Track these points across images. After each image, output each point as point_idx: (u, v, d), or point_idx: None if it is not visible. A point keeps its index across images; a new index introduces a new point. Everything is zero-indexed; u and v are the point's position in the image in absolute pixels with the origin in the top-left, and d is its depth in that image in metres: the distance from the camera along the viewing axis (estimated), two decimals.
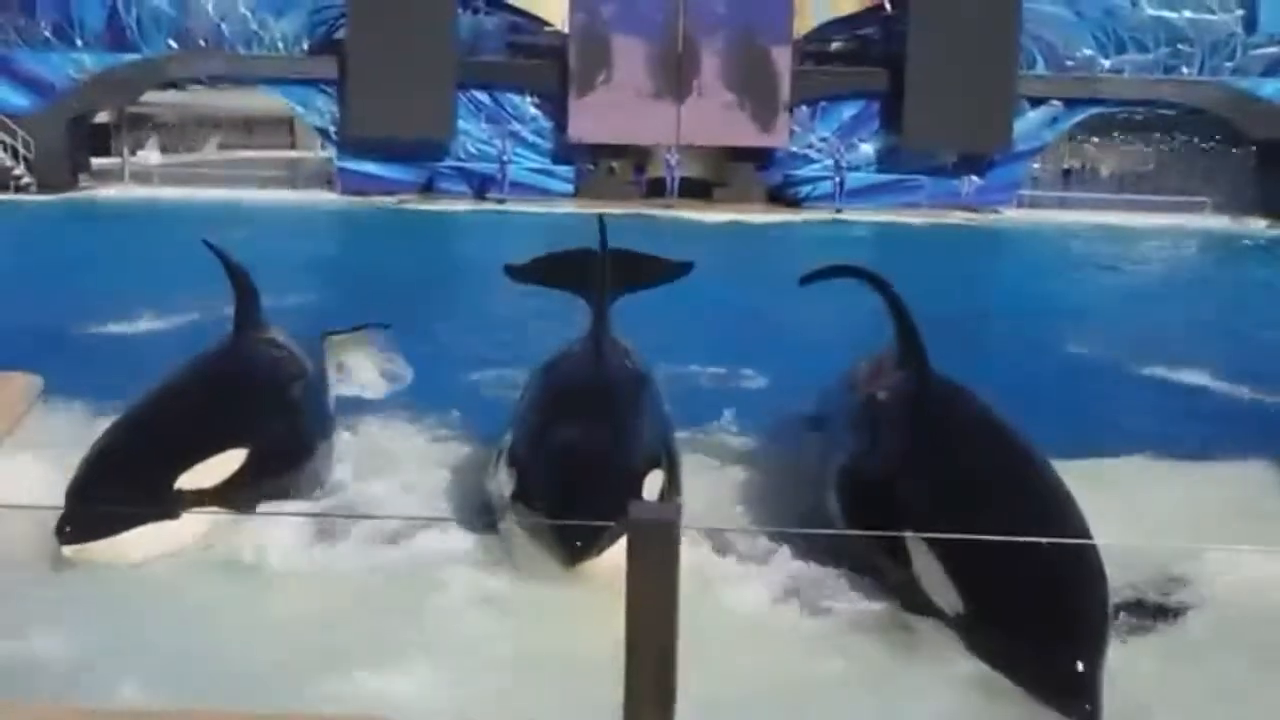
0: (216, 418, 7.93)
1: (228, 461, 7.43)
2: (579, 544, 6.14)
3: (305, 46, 34.39)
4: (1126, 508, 8.01)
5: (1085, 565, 6.17)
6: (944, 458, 7.03)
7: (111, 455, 7.50)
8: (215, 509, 7.24)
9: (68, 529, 6.84)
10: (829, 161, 33.93)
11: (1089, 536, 6.37)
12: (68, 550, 6.80)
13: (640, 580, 4.12)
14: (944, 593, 6.13)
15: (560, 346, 9.32)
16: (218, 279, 9.85)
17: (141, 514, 6.92)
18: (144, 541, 6.92)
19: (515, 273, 10.77)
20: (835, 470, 7.78)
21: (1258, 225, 32.27)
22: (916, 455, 7.20)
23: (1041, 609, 5.89)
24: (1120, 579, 6.53)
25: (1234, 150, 36.07)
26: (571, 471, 6.72)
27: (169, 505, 7.05)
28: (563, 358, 9.09)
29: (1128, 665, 6.03)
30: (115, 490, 7.10)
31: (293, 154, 42.02)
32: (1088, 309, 19.53)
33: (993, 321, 17.08)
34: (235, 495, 7.36)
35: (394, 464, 9.07)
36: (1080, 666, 5.66)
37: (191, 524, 7.12)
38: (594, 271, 9.79)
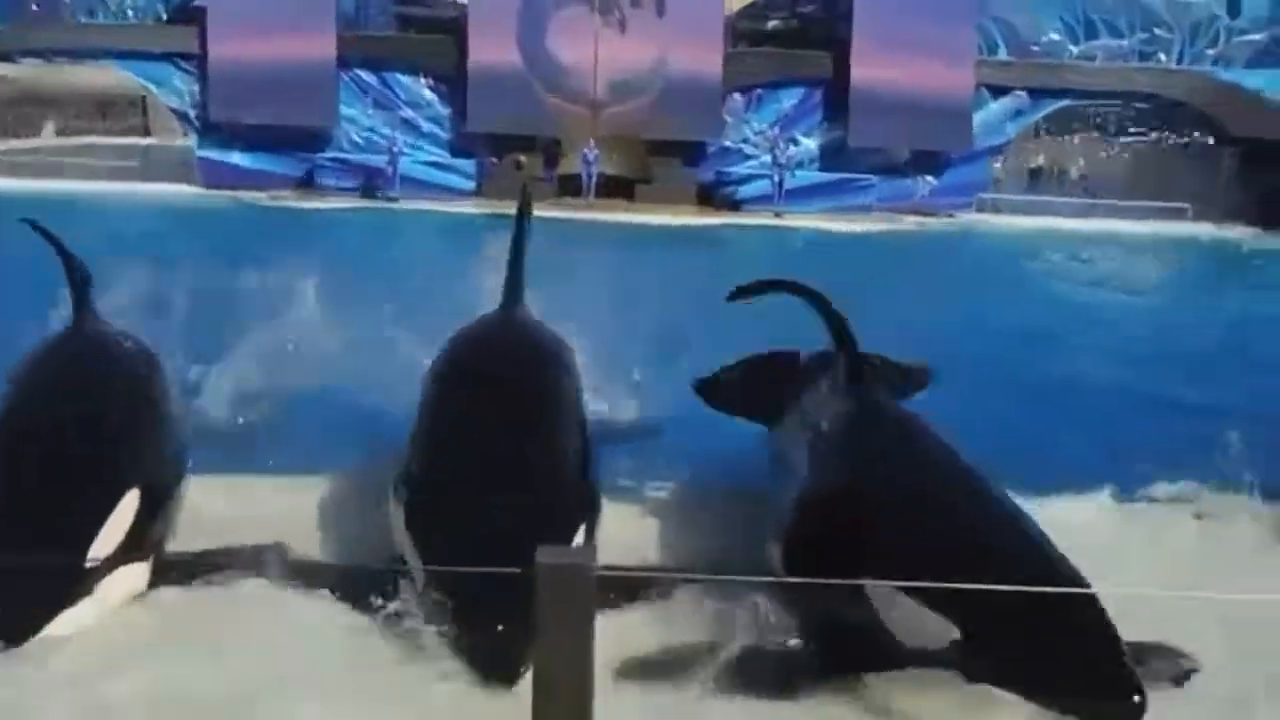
0: (104, 446, 7.78)
1: (129, 505, 7.34)
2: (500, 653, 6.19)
3: (162, 15, 34.11)
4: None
5: (1070, 575, 6.50)
6: (890, 490, 7.28)
7: (16, 527, 7.11)
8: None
9: None
10: (766, 158, 34.40)
11: (1055, 554, 6.67)
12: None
13: (552, 629, 4.24)
14: (927, 624, 6.26)
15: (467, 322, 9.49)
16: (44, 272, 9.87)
17: (73, 594, 6.86)
18: (77, 617, 6.86)
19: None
20: (778, 510, 7.99)
21: (1244, 234, 33.01)
22: (863, 493, 7.42)
23: (1049, 615, 6.15)
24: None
25: (1217, 149, 36.80)
26: (477, 552, 6.60)
27: (91, 578, 6.95)
28: (470, 345, 9.25)
29: None
30: (37, 578, 6.78)
31: (145, 141, 41.55)
32: (1053, 328, 19.89)
33: (948, 341, 17.37)
34: (135, 539, 7.27)
35: (267, 494, 9.09)
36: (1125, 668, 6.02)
37: (121, 580, 7.13)
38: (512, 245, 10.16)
